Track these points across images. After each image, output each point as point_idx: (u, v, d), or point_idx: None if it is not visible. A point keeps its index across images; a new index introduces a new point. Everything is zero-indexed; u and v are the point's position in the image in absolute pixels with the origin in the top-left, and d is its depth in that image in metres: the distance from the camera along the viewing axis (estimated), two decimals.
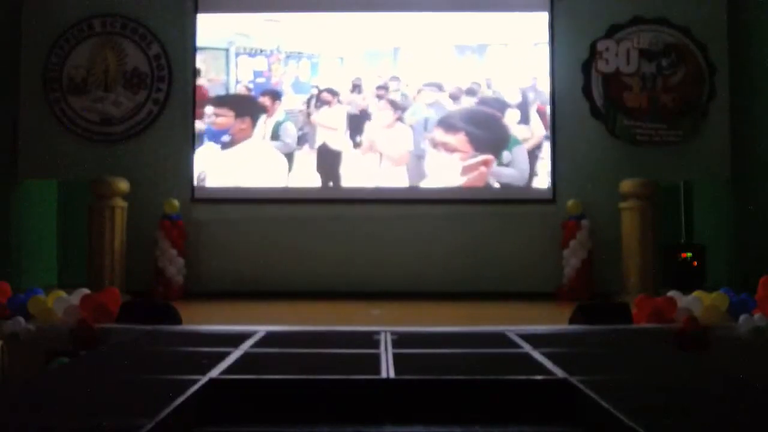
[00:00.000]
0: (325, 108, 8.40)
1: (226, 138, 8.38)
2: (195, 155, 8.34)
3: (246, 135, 8.39)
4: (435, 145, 8.33)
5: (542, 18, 8.43)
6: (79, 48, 8.36)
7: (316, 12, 8.54)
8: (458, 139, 8.32)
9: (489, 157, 8.30)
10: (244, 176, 8.36)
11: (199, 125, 8.40)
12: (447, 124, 8.36)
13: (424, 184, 8.33)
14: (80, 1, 8.40)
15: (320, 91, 8.41)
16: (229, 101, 8.45)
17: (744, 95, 8.14)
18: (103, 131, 8.33)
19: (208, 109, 8.41)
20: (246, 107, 8.44)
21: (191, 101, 8.39)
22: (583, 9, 8.33)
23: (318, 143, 8.35)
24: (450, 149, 8.33)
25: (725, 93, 8.27)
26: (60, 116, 8.29)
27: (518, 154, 8.31)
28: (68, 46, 8.36)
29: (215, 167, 8.35)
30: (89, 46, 8.37)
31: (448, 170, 8.33)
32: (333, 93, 8.41)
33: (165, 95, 8.38)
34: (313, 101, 8.40)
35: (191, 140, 8.35)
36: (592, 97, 8.31)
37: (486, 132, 8.36)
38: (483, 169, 8.31)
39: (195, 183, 8.34)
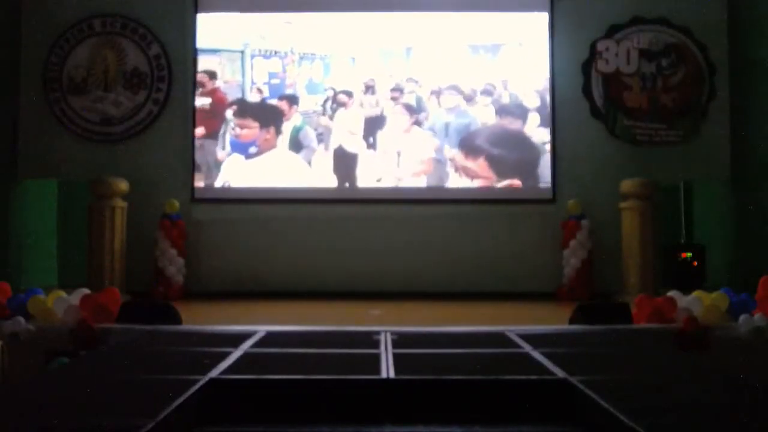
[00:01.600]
0: (341, 110, 8.38)
1: (253, 149, 8.38)
2: (225, 163, 8.34)
3: (271, 145, 8.38)
4: (456, 168, 8.29)
5: (542, 18, 8.43)
6: (79, 48, 8.36)
7: (326, 12, 8.54)
8: (479, 165, 8.26)
9: (515, 182, 8.27)
10: (265, 182, 8.36)
11: (201, 146, 8.37)
12: (468, 146, 8.28)
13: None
14: (80, 1, 8.40)
15: (336, 93, 8.40)
16: (252, 111, 8.43)
17: (744, 95, 8.14)
18: (103, 131, 8.33)
19: (230, 118, 8.38)
20: (269, 116, 8.41)
21: (191, 101, 8.39)
22: (583, 9, 8.33)
23: (334, 145, 8.34)
24: (471, 175, 8.27)
25: (725, 93, 8.27)
26: (60, 116, 8.30)
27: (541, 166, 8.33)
28: (68, 46, 8.36)
29: (240, 176, 8.35)
30: (89, 46, 8.38)
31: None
32: (348, 95, 8.39)
33: (165, 95, 8.38)
34: (329, 103, 8.39)
35: (191, 140, 8.34)
36: (592, 97, 8.31)
37: (512, 153, 8.30)
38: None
39: (219, 184, 8.36)
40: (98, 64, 8.37)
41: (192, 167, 8.33)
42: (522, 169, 8.29)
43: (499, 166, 8.28)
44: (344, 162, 8.33)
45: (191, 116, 8.38)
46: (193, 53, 8.44)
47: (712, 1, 8.38)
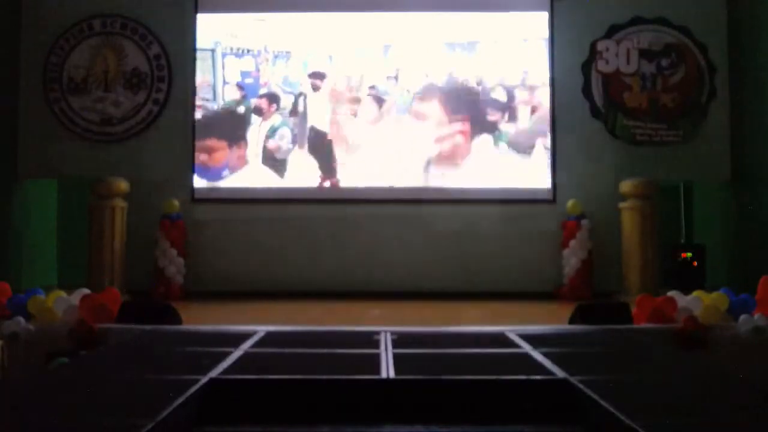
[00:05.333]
0: (314, 93, 8.33)
1: (225, 173, 8.33)
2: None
3: (243, 162, 8.33)
4: (414, 114, 8.30)
5: (542, 18, 8.43)
6: (79, 48, 8.37)
7: (308, 12, 8.50)
8: (432, 107, 8.28)
9: (464, 127, 8.25)
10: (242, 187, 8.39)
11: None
12: (424, 93, 8.31)
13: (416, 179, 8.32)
14: (80, 1, 8.41)
15: (310, 75, 8.35)
16: (218, 126, 8.33)
17: (744, 95, 8.14)
18: (103, 131, 8.33)
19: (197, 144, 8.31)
20: (236, 126, 8.31)
21: (191, 101, 8.38)
22: (583, 9, 8.33)
23: (309, 132, 8.31)
24: (425, 117, 8.28)
25: (725, 93, 8.28)
26: (60, 116, 8.30)
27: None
28: (68, 46, 8.36)
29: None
30: (89, 46, 8.38)
31: (420, 142, 8.29)
32: (321, 77, 8.33)
33: (165, 95, 8.38)
34: (302, 99, 8.34)
35: (191, 140, 8.34)
36: (592, 97, 8.31)
37: (462, 101, 8.32)
38: (459, 139, 8.27)
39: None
40: (98, 64, 8.37)
41: (192, 167, 8.33)
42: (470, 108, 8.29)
43: (452, 110, 8.30)
44: (319, 150, 8.32)
45: (191, 116, 8.37)
46: (193, 53, 8.44)
47: (712, 1, 8.38)
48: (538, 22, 8.44)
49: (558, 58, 8.36)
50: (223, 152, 8.32)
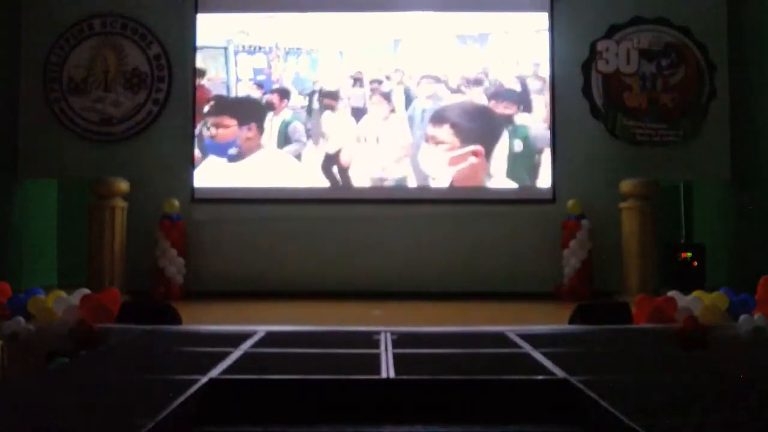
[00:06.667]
0: (328, 113, 8.36)
1: (233, 151, 8.33)
2: (198, 168, 8.33)
3: (255, 145, 8.33)
4: (426, 139, 8.33)
5: (542, 18, 8.43)
6: (79, 48, 8.36)
7: (315, 12, 8.52)
8: (444, 131, 8.30)
9: (477, 147, 8.27)
10: (258, 183, 8.35)
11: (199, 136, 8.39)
12: (436, 117, 8.34)
13: (422, 178, 8.31)
14: (80, 1, 8.41)
15: (322, 96, 8.37)
16: (229, 107, 8.40)
17: (744, 95, 8.14)
18: (103, 131, 8.33)
19: (208, 120, 8.36)
20: (249, 112, 8.37)
21: (191, 101, 8.39)
22: (583, 9, 8.33)
23: (323, 147, 8.32)
24: (437, 141, 8.32)
25: (725, 93, 8.28)
26: (60, 116, 8.30)
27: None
28: (68, 46, 8.36)
29: (225, 183, 8.34)
30: (89, 46, 8.38)
31: (436, 163, 8.30)
32: (335, 97, 8.38)
33: (165, 95, 8.38)
34: (316, 96, 8.36)
35: (191, 140, 8.35)
36: (592, 97, 8.31)
37: (475, 124, 8.32)
38: (473, 159, 8.28)
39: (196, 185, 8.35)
40: (98, 64, 8.37)
41: (192, 167, 8.33)
42: (486, 139, 8.28)
43: (464, 134, 8.30)
44: (333, 162, 8.32)
45: (191, 116, 8.37)
46: (193, 53, 8.44)
47: (712, 1, 8.38)
48: (538, 22, 8.44)
49: (558, 58, 8.35)
50: (232, 129, 8.34)
